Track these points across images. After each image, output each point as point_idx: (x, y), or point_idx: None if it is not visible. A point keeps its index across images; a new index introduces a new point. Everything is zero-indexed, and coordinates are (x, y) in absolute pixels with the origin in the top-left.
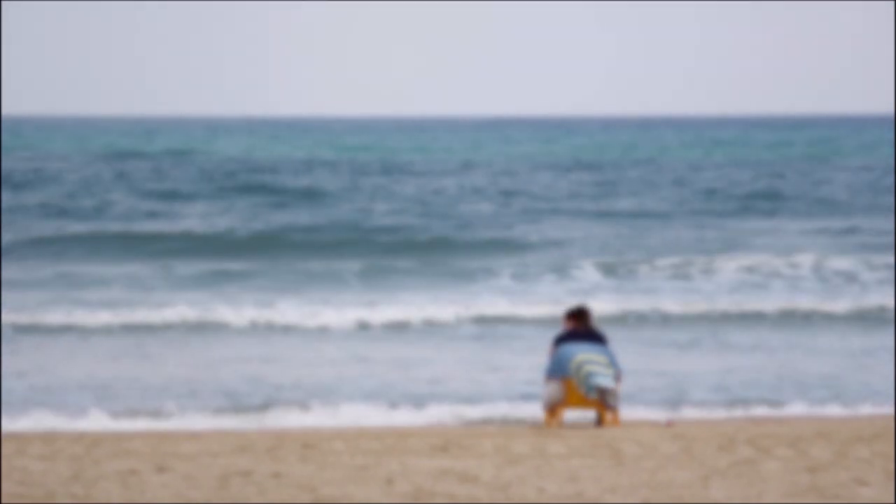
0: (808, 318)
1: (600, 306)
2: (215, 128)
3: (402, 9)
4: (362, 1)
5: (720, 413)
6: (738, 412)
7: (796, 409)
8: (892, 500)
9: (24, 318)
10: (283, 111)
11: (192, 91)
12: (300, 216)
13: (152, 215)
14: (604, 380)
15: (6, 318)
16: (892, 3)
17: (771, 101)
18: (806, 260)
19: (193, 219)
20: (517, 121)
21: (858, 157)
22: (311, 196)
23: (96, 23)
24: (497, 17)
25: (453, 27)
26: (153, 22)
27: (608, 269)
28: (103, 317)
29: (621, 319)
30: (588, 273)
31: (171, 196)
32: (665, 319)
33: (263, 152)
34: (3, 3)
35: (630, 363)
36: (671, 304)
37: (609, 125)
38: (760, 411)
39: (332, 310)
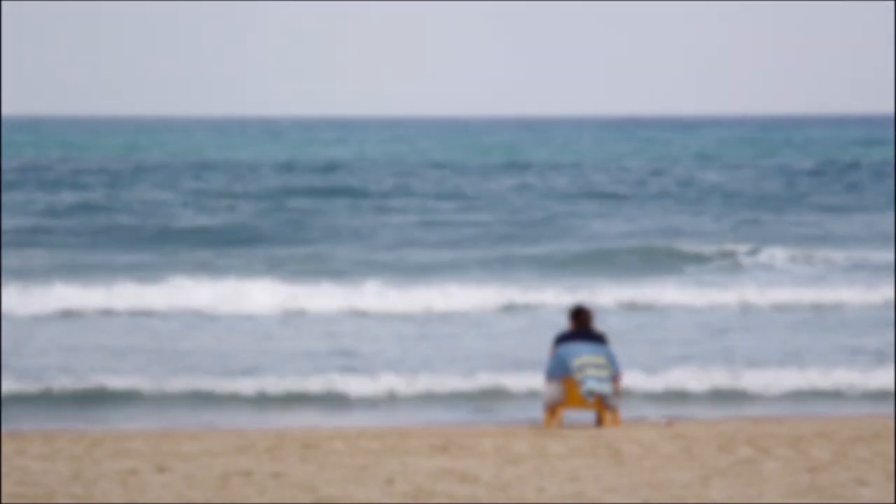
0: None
1: None
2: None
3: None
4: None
5: (720, 413)
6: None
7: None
8: (892, 500)
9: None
10: (268, 112)
11: (195, 92)
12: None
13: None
14: (598, 384)
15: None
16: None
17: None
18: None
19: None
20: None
21: None
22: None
23: (95, 23)
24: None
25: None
26: (166, 21)
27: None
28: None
29: None
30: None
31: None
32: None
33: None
34: (2, 2)
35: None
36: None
37: (608, 126)
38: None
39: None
